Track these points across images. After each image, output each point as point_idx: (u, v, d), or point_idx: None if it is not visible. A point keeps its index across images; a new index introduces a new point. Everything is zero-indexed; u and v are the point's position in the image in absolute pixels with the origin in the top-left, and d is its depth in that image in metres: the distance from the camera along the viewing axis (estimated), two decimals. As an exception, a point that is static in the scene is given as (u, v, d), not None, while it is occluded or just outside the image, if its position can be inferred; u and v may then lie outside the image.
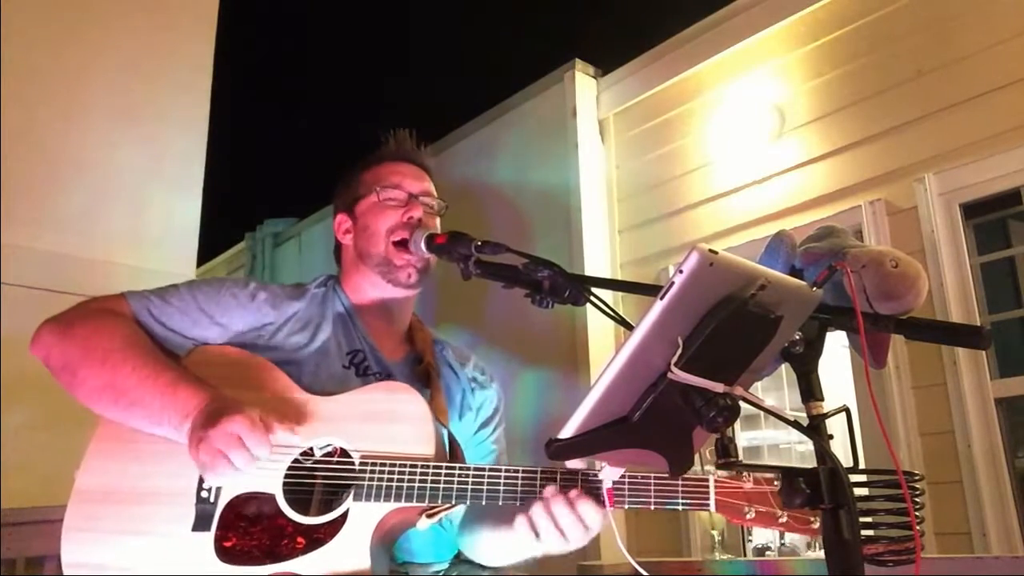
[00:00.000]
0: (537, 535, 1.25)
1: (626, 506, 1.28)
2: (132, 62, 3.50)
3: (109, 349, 1.34)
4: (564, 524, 1.23)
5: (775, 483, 1.23)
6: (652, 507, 1.27)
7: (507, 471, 1.30)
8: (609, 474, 1.24)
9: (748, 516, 1.23)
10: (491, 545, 1.49)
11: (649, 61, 4.12)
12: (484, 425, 1.67)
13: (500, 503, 1.29)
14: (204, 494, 1.29)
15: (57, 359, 1.36)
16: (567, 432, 0.90)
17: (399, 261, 1.55)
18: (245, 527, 1.28)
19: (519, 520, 1.27)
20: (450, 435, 1.49)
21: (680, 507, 1.26)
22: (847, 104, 3.31)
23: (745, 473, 1.26)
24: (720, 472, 1.24)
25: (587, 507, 1.24)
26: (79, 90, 3.33)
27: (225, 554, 1.26)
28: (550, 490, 1.25)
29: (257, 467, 1.26)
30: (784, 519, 1.22)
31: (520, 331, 3.79)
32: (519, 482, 1.29)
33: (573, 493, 1.24)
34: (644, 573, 1.20)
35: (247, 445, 1.21)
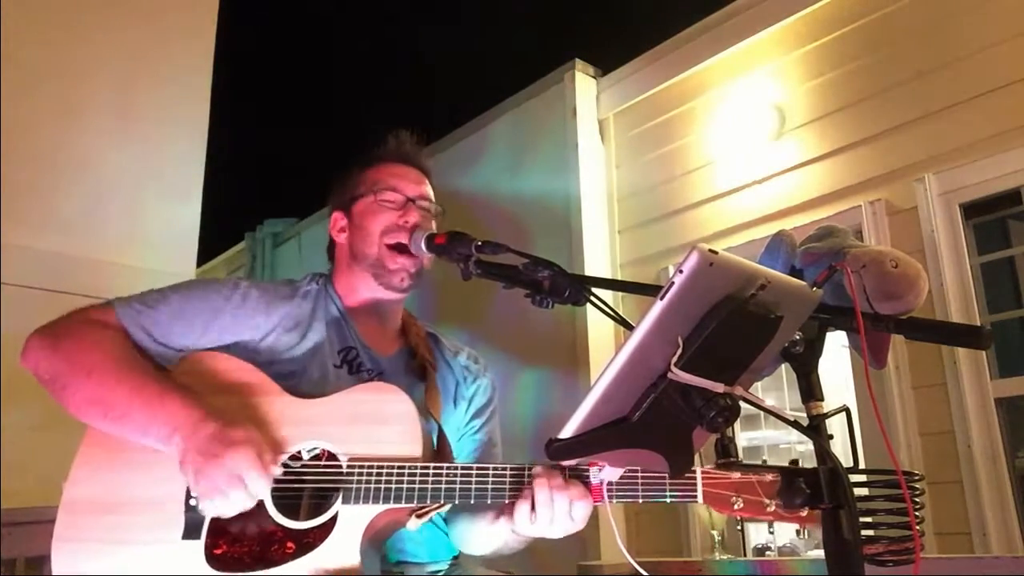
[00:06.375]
0: (533, 510, 1.25)
1: (614, 500, 1.28)
2: (132, 62, 3.49)
3: (95, 362, 1.33)
4: (559, 507, 1.24)
5: (763, 474, 1.23)
6: (640, 500, 1.27)
7: (495, 469, 1.30)
8: (608, 474, 1.24)
9: (736, 506, 1.23)
10: (472, 534, 1.51)
11: (649, 61, 4.12)
12: (476, 415, 1.67)
13: (489, 501, 1.30)
14: (193, 502, 1.28)
15: (45, 372, 1.36)
16: (567, 432, 0.90)
17: (392, 265, 1.55)
18: (235, 534, 1.28)
19: (521, 502, 1.27)
20: (440, 431, 1.49)
21: (668, 499, 1.26)
22: (847, 104, 3.30)
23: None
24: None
25: (579, 503, 1.25)
26: (79, 90, 3.33)
27: (216, 561, 1.26)
28: (538, 470, 1.26)
29: None
30: (772, 507, 1.22)
31: (520, 331, 3.78)
32: (507, 480, 1.29)
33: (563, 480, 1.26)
34: (644, 573, 1.20)
35: (247, 485, 1.22)
